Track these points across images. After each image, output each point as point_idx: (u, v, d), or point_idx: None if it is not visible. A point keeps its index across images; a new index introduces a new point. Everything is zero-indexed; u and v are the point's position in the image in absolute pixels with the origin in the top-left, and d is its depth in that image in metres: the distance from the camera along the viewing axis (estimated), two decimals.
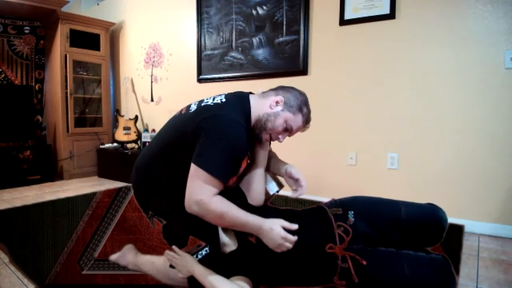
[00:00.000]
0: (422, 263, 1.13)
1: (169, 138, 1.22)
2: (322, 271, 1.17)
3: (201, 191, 1.05)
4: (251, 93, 1.31)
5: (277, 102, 1.22)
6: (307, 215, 1.31)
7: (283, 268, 1.20)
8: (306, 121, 1.28)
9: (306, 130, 1.33)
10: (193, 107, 1.22)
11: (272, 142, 1.34)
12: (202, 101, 1.24)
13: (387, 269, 1.11)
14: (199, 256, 1.28)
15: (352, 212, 1.23)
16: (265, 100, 1.25)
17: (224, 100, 1.20)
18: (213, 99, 1.22)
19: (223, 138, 1.07)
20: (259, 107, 1.23)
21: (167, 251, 1.29)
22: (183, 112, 1.26)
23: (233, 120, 1.11)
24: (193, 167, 1.07)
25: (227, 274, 1.23)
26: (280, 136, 1.25)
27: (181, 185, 1.11)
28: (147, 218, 1.36)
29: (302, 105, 1.25)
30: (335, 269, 1.14)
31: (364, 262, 1.11)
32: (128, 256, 1.55)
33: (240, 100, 1.24)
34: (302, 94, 1.30)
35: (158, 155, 1.25)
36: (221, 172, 1.07)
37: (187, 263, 1.22)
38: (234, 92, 1.30)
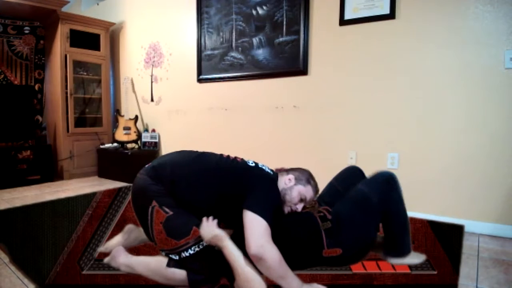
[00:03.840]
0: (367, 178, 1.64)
1: (221, 168, 1.50)
2: (307, 224, 1.46)
3: (265, 237, 1.25)
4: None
5: (289, 179, 1.52)
6: None
7: (283, 245, 1.28)
8: (316, 191, 1.57)
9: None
10: (251, 162, 1.56)
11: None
12: (257, 163, 1.57)
13: (344, 199, 1.57)
14: (200, 247, 1.34)
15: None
16: (281, 178, 1.55)
17: (273, 174, 1.56)
18: (266, 167, 1.57)
19: (271, 194, 1.42)
20: (280, 184, 1.52)
21: (204, 219, 1.36)
22: (238, 160, 1.56)
23: (277, 189, 1.49)
24: (251, 214, 1.28)
25: (222, 265, 1.32)
26: (297, 207, 1.50)
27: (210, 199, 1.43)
28: (142, 210, 1.40)
29: (309, 178, 1.56)
30: (316, 219, 1.47)
31: (330, 209, 1.52)
32: (118, 259, 1.54)
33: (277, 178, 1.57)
34: (306, 171, 1.62)
35: (206, 176, 1.47)
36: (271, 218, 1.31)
37: (220, 235, 1.30)
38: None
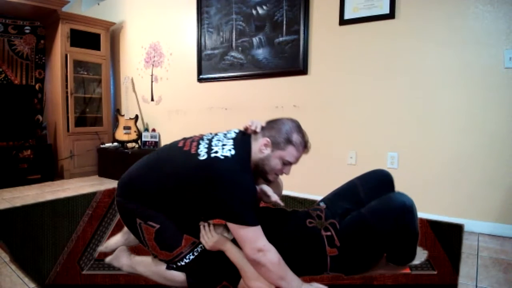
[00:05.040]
0: (379, 203, 1.30)
1: (176, 172, 1.29)
2: (313, 244, 1.33)
3: (258, 241, 1.18)
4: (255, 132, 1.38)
5: (265, 145, 1.29)
6: (292, 213, 1.51)
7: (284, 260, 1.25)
8: (303, 146, 1.33)
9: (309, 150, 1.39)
10: (203, 152, 1.26)
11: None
12: (211, 146, 1.28)
13: (354, 225, 1.32)
14: (195, 254, 1.33)
15: (323, 201, 1.54)
16: (257, 144, 1.32)
17: (233, 153, 1.25)
18: (223, 147, 1.27)
19: (239, 191, 1.19)
20: (255, 154, 1.32)
21: (201, 227, 1.35)
22: (192, 152, 1.29)
23: (243, 174, 1.22)
24: (234, 226, 1.18)
25: (222, 269, 1.32)
26: (284, 171, 1.33)
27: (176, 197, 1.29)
28: (133, 229, 1.39)
29: (290, 136, 1.29)
30: (322, 239, 1.31)
31: (337, 224, 1.34)
32: (121, 259, 1.54)
33: (246, 150, 1.31)
34: (287, 123, 1.33)
35: (162, 180, 1.31)
36: (255, 219, 1.19)
37: (220, 240, 1.30)
38: (241, 138, 1.36)
